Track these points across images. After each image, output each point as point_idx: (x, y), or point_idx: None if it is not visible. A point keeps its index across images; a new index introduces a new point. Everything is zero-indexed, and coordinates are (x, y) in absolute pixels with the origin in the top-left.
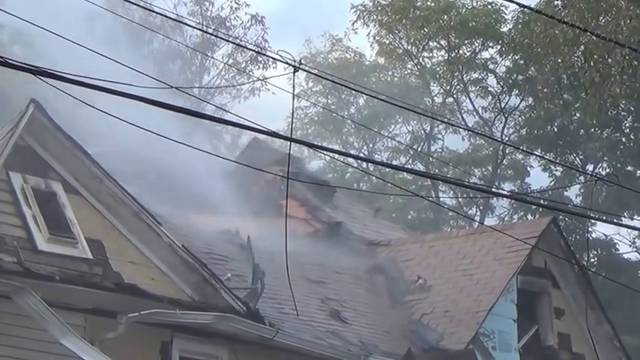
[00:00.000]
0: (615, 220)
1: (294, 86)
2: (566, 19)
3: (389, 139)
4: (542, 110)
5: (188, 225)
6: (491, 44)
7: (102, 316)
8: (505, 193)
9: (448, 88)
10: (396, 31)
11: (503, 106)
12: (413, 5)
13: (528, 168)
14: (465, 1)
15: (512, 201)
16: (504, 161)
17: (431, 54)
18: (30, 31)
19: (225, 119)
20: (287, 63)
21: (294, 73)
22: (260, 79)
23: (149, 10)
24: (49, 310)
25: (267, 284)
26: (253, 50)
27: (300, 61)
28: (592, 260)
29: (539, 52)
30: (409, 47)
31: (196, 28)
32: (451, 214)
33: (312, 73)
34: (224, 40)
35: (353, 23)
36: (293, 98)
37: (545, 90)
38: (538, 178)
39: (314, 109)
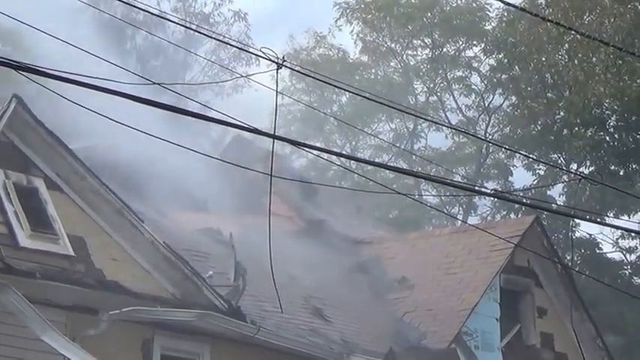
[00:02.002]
0: (599, 220)
1: (277, 83)
2: (550, 18)
3: (372, 137)
4: (526, 109)
5: (170, 222)
6: (475, 42)
7: (83, 313)
8: (488, 191)
9: (432, 86)
10: (380, 29)
11: (486, 104)
12: (396, 3)
13: (511, 167)
14: None
15: (495, 200)
16: (488, 160)
17: (415, 52)
18: (10, 26)
19: (207, 116)
20: (270, 60)
21: (277, 70)
22: (243, 76)
23: (131, 5)
24: (30, 306)
25: (249, 282)
26: (236, 47)
27: (283, 58)
28: (575, 259)
29: (523, 50)
30: (393, 45)
31: (179, 24)
32: (434, 212)
33: (296, 70)
34: (207, 36)
35: (336, 20)
36: (276, 95)
37: (528, 88)
38: (521, 177)
39: (297, 107)
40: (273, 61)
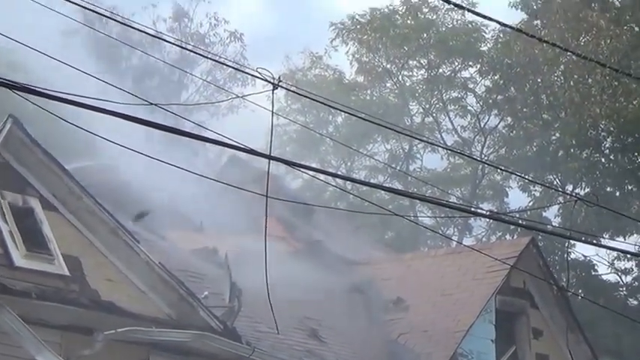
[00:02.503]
0: (594, 241)
1: (273, 104)
2: (546, 39)
3: (367, 158)
4: (522, 130)
5: (166, 243)
6: (471, 63)
7: (78, 333)
8: (484, 212)
9: (427, 107)
10: (376, 50)
11: (482, 125)
12: (392, 23)
13: (507, 188)
14: (444, 19)
15: (491, 221)
16: (483, 181)
17: (410, 73)
18: (5, 45)
19: (203, 136)
20: (266, 80)
21: (273, 90)
22: (239, 96)
23: (127, 25)
24: (24, 326)
25: (244, 303)
26: (232, 67)
27: (279, 78)
28: (571, 281)
29: (519, 71)
30: (388, 66)
31: (175, 44)
32: (429, 233)
33: (292, 91)
34: (203, 56)
35: (332, 41)
36: (272, 116)
37: (524, 109)
38: (517, 199)
39: (292, 127)
40: (270, 82)
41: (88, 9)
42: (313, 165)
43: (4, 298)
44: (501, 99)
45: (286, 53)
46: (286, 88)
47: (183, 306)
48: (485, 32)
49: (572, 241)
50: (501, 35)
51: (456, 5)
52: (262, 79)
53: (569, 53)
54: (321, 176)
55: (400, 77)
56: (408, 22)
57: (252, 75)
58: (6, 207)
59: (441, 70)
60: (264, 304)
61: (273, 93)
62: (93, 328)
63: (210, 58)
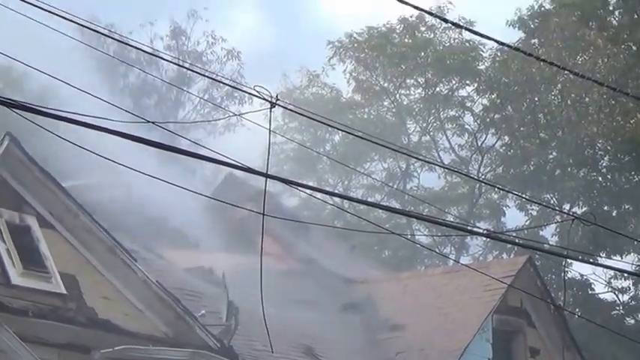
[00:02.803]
0: (591, 260)
1: (270, 122)
2: (543, 57)
3: (364, 177)
4: (519, 149)
5: (163, 261)
6: (468, 82)
7: (75, 352)
8: (481, 231)
9: (425, 125)
10: (373, 68)
11: (479, 144)
12: (390, 42)
13: (504, 207)
14: (442, 38)
15: (487, 240)
16: (480, 200)
17: (408, 91)
18: (2, 63)
19: (200, 154)
20: (264, 99)
21: (270, 108)
22: (236, 115)
23: (124, 43)
24: (21, 344)
25: (241, 321)
26: (230, 85)
27: (277, 96)
28: (568, 300)
29: (516, 90)
30: (386, 84)
31: (172, 62)
32: (426, 252)
33: (289, 109)
34: (200, 74)
35: (329, 59)
36: (269, 134)
37: (521, 128)
38: (514, 218)
39: (289, 146)
40: (267, 100)
41: (86, 27)
42: (310, 183)
43: (1, 316)
44: (498, 118)
45: (283, 71)
46: (284, 107)
47: (180, 324)
48: (482, 51)
49: (569, 260)
50: (499, 54)
51: (453, 24)
52: (260, 97)
53: (566, 72)
54: (318, 195)
55: (397, 96)
56: (406, 40)
57: (250, 93)
58: (3, 225)
59: (438, 89)
60: (260, 322)
61: (270, 111)
62: (90, 347)
63: (208, 77)
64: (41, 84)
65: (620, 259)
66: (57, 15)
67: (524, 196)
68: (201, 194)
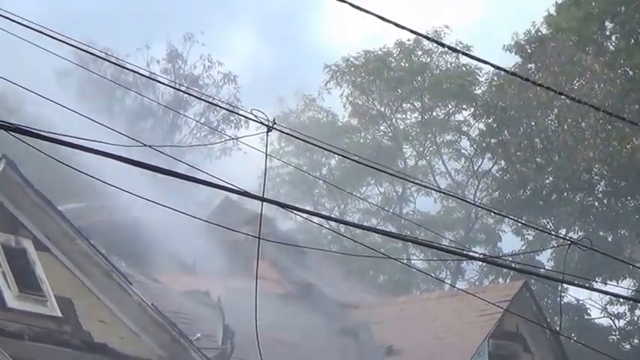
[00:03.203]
0: (588, 285)
1: (267, 146)
2: (540, 82)
3: (360, 201)
4: (515, 173)
5: (158, 284)
6: (464, 106)
7: None
8: (477, 255)
9: (421, 150)
10: (370, 92)
11: (476, 169)
12: (387, 66)
13: (500, 232)
14: (439, 62)
15: (483, 265)
16: (476, 225)
17: (404, 115)
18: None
19: (197, 178)
20: (261, 122)
21: (267, 132)
22: (233, 138)
23: (121, 66)
24: None
25: (236, 345)
26: (227, 109)
27: (273, 120)
28: (564, 325)
29: (513, 115)
30: (382, 108)
31: (169, 86)
32: (422, 277)
33: (286, 133)
34: (197, 97)
35: (326, 83)
36: (266, 158)
37: (518, 153)
38: (510, 243)
39: (285, 170)
40: (264, 124)
41: (82, 50)
42: (307, 208)
43: None
44: (495, 142)
45: (279, 95)
46: (280, 130)
47: (176, 347)
48: (479, 75)
49: (565, 285)
50: (495, 79)
51: (450, 48)
52: (257, 121)
53: (562, 97)
54: (314, 218)
55: (394, 120)
56: (402, 64)
57: (247, 117)
58: None
59: (434, 113)
60: (256, 346)
61: (267, 135)
62: None
63: (205, 100)
64: (37, 108)
65: (616, 284)
66: (53, 38)
67: (520, 220)
68: (198, 218)
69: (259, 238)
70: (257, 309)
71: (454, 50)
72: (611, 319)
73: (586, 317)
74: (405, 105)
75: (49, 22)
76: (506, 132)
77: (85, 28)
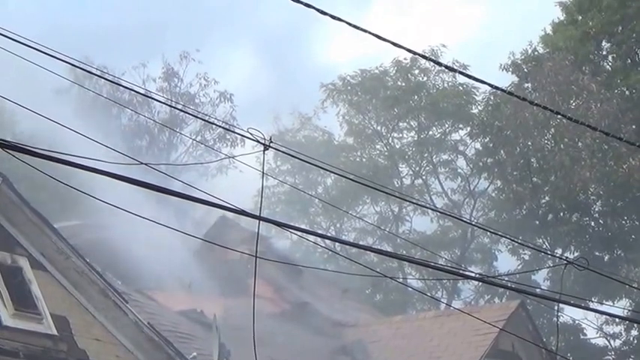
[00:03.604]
0: (584, 305)
1: (263, 164)
2: (536, 102)
3: (356, 220)
4: (511, 193)
5: (154, 303)
6: (461, 126)
7: None
8: (473, 275)
9: (417, 169)
10: (366, 111)
11: (472, 188)
12: (383, 85)
13: (496, 252)
14: (435, 81)
15: (479, 284)
16: (472, 245)
17: (400, 134)
18: None
19: (194, 197)
20: (257, 141)
21: (264, 151)
22: (229, 157)
23: (117, 84)
24: None
25: None
26: (223, 127)
27: (270, 139)
28: (560, 344)
29: (509, 134)
30: (379, 127)
31: (164, 103)
32: (418, 296)
33: (283, 152)
34: (193, 116)
35: (322, 102)
36: (263, 176)
37: (514, 173)
38: (505, 263)
39: (281, 189)
40: (261, 143)
41: (78, 67)
42: (302, 226)
43: None
44: (491, 162)
45: (275, 114)
46: (277, 149)
47: None
48: (475, 95)
49: (561, 305)
50: (492, 98)
51: (447, 67)
52: (253, 139)
53: (559, 116)
54: (310, 237)
55: (390, 139)
56: (399, 83)
57: (243, 135)
58: None
59: (431, 133)
60: None
61: (264, 154)
62: None
63: (201, 118)
64: (32, 125)
65: (612, 304)
66: (49, 55)
67: (516, 240)
68: (194, 236)
69: (256, 256)
70: (254, 328)
71: (451, 69)
72: (607, 339)
73: (582, 337)
74: (401, 124)
75: (47, 40)
76: (502, 151)
77: (82, 46)
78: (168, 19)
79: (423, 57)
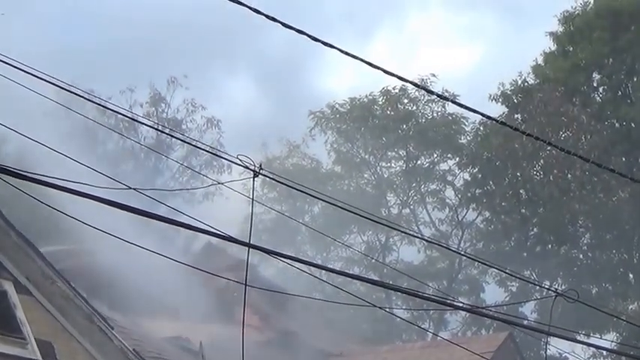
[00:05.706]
0: (572, 337)
1: (253, 191)
2: (527, 132)
3: (343, 249)
4: (500, 224)
5: (140, 329)
6: (449, 156)
7: None
8: (461, 305)
9: (405, 198)
10: (354, 139)
11: (460, 219)
12: (372, 114)
13: (484, 283)
14: (424, 110)
15: (467, 315)
16: (459, 275)
17: (389, 163)
18: None
19: (182, 222)
20: (247, 167)
21: (253, 178)
22: (218, 183)
23: (104, 107)
24: None
25: None
26: (213, 153)
27: (260, 165)
28: None
29: (498, 165)
30: (367, 156)
31: (151, 127)
32: (404, 326)
33: (272, 179)
34: (182, 140)
35: (311, 130)
36: (252, 203)
37: (503, 204)
38: (493, 294)
39: (268, 217)
40: (250, 169)
41: (66, 89)
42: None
43: None
44: (480, 192)
45: (264, 141)
46: (267, 176)
47: None
48: (465, 125)
49: (549, 337)
50: (481, 128)
51: (437, 95)
52: (243, 166)
53: (549, 148)
54: (297, 265)
55: (378, 168)
56: (388, 112)
57: (233, 162)
58: None
59: (419, 162)
60: None
61: (253, 181)
62: None
63: (189, 143)
64: (18, 148)
65: (599, 337)
66: (36, 77)
67: (505, 270)
68: (182, 262)
69: (245, 284)
70: (244, 356)
71: (441, 97)
72: None
73: None
74: (389, 153)
75: (34, 62)
76: (491, 182)
77: (67, 72)
78: (157, 45)
79: (414, 85)
